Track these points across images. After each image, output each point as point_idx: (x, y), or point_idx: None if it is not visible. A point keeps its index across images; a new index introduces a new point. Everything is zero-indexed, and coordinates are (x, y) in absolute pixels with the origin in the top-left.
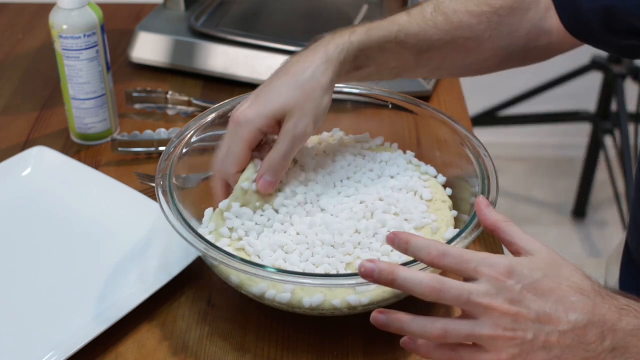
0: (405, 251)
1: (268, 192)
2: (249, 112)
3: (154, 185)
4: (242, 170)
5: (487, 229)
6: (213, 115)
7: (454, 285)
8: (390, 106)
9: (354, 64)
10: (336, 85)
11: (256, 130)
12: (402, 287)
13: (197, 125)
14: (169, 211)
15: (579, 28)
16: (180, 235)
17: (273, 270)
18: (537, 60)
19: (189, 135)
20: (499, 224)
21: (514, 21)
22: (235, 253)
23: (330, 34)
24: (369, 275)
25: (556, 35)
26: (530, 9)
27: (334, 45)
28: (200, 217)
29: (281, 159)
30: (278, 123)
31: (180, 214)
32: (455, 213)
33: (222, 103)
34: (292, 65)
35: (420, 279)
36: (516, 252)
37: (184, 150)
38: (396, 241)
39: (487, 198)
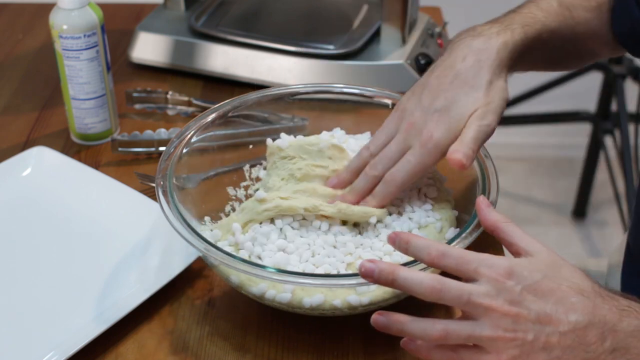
0: (405, 251)
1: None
2: (440, 135)
3: (154, 185)
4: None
5: (487, 229)
6: (213, 115)
7: (454, 286)
8: (390, 106)
9: (514, 61)
10: (335, 85)
11: (436, 145)
12: (402, 287)
13: (197, 125)
14: (169, 211)
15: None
16: (181, 235)
17: (273, 270)
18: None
19: (189, 135)
20: (499, 224)
21: (608, 16)
22: (235, 253)
23: (493, 24)
24: (369, 275)
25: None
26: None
27: (503, 44)
28: (200, 217)
29: (473, 141)
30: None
31: (180, 214)
32: (455, 213)
33: (222, 103)
34: (464, 67)
35: (420, 279)
36: (516, 253)
37: (184, 150)
38: (397, 241)
39: (487, 198)
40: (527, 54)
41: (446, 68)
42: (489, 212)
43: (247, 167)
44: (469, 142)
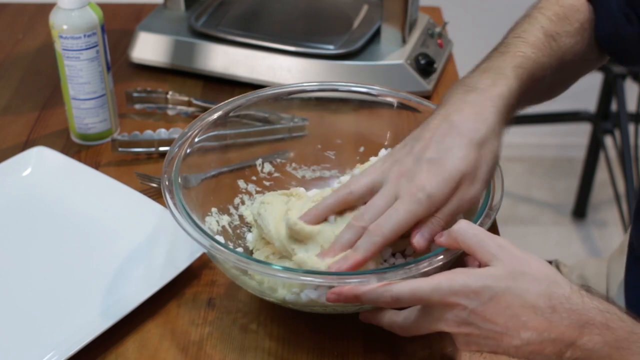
0: (361, 303)
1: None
2: (432, 186)
3: (154, 185)
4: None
5: (450, 247)
6: (219, 113)
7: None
8: (395, 105)
9: (512, 112)
10: (335, 83)
11: (434, 207)
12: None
13: (200, 125)
14: (175, 210)
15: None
16: (188, 233)
17: (279, 268)
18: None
19: (192, 135)
20: (456, 243)
21: (590, 32)
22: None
23: (484, 74)
24: (336, 300)
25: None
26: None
27: (498, 97)
28: (201, 216)
29: (444, 222)
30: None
31: (188, 213)
32: (460, 216)
33: (226, 102)
34: (461, 121)
35: (378, 295)
36: (478, 262)
37: (188, 151)
38: (342, 297)
39: (492, 199)
40: (522, 98)
41: (441, 120)
42: (438, 242)
43: (259, 161)
44: (443, 224)
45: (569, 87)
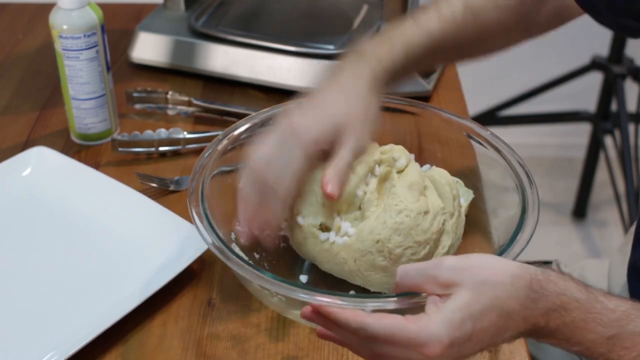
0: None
1: (333, 200)
2: (306, 120)
3: (154, 185)
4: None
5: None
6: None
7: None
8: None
9: (394, 78)
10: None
11: (314, 140)
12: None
13: (228, 136)
14: (206, 235)
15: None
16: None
17: (313, 291)
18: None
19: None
20: (412, 288)
21: (539, 7)
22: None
23: (368, 43)
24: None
25: (573, 7)
26: None
27: (377, 62)
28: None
29: (346, 167)
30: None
31: (222, 241)
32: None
33: (255, 114)
34: (343, 78)
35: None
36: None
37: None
38: (313, 316)
39: (525, 213)
40: (413, 68)
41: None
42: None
43: None
44: (345, 169)
45: (491, 55)
